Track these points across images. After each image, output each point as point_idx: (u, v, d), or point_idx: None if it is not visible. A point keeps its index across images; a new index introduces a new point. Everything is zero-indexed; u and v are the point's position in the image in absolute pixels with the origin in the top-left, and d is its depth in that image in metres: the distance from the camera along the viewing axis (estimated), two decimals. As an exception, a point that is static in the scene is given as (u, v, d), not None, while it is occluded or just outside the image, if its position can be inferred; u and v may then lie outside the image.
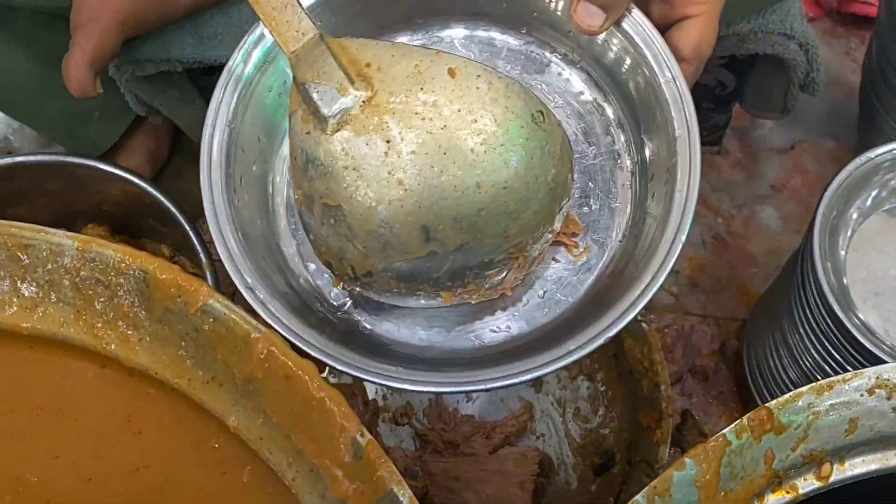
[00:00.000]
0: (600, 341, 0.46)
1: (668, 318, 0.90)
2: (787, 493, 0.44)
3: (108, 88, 0.85)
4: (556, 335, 0.49)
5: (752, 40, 0.71)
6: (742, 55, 0.73)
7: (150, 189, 0.79)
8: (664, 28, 0.53)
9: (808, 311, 0.73)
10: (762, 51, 0.72)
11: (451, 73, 0.44)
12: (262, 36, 0.53)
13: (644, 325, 0.74)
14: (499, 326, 0.52)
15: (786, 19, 0.70)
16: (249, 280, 0.47)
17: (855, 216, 0.75)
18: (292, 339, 0.45)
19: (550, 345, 0.47)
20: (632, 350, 0.75)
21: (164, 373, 0.44)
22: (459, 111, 0.43)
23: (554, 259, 0.52)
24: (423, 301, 0.47)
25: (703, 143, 0.51)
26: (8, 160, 0.79)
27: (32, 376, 0.46)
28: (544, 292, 0.52)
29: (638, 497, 0.41)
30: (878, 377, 0.42)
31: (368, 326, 0.52)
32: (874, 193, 0.74)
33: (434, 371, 0.47)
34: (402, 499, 0.38)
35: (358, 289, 0.48)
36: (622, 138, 0.55)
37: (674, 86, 0.51)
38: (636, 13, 0.52)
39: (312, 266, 0.52)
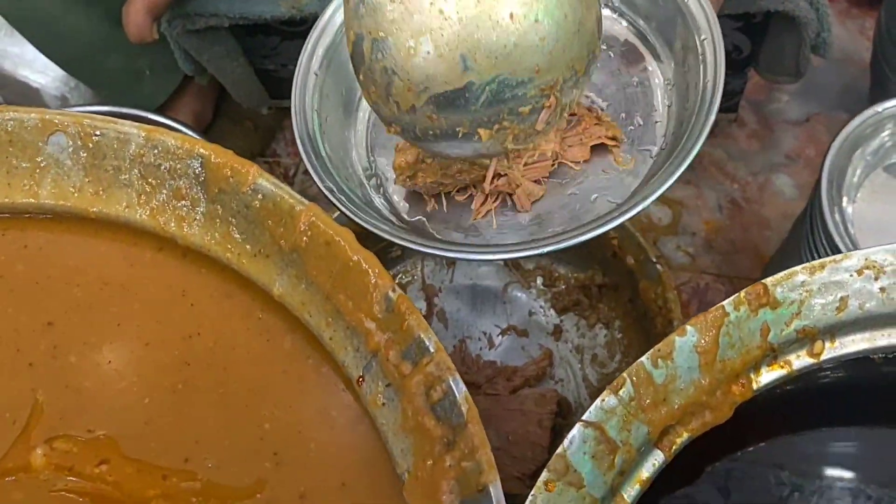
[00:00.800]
0: (625, 217, 0.51)
1: (683, 277, 0.93)
2: (782, 367, 0.47)
3: (159, 48, 0.91)
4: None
5: (764, -3, 0.76)
6: (756, 12, 0.78)
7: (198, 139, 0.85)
8: None
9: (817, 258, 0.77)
10: (774, 7, 0.76)
11: None
12: None
13: (658, 266, 0.78)
14: (552, 230, 0.56)
15: (797, -22, 0.75)
16: (330, 184, 0.52)
17: (860, 169, 0.78)
18: (365, 225, 0.51)
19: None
20: (646, 291, 0.79)
21: (216, 249, 0.49)
22: None
23: (603, 170, 0.57)
24: (462, 142, 0.51)
25: (720, 110, 0.56)
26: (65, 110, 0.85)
27: (97, 255, 0.51)
28: (595, 197, 0.57)
29: (643, 359, 0.45)
30: (866, 258, 0.46)
31: (437, 234, 0.57)
32: (880, 146, 0.78)
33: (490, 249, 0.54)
34: (428, 344, 0.42)
35: (402, 131, 0.52)
36: (655, 61, 0.60)
37: (695, 2, 0.56)
38: None
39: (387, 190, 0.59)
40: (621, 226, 0.65)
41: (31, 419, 0.47)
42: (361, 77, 0.50)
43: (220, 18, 0.82)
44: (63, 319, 0.50)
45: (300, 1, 0.81)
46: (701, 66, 0.55)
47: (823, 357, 0.48)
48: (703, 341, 0.45)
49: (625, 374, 0.45)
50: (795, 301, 0.46)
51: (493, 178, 0.56)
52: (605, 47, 0.62)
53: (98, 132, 0.50)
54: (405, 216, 0.58)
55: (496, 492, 0.38)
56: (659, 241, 0.95)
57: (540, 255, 0.62)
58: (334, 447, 0.45)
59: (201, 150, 0.49)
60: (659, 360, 0.45)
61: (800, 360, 0.48)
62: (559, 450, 0.43)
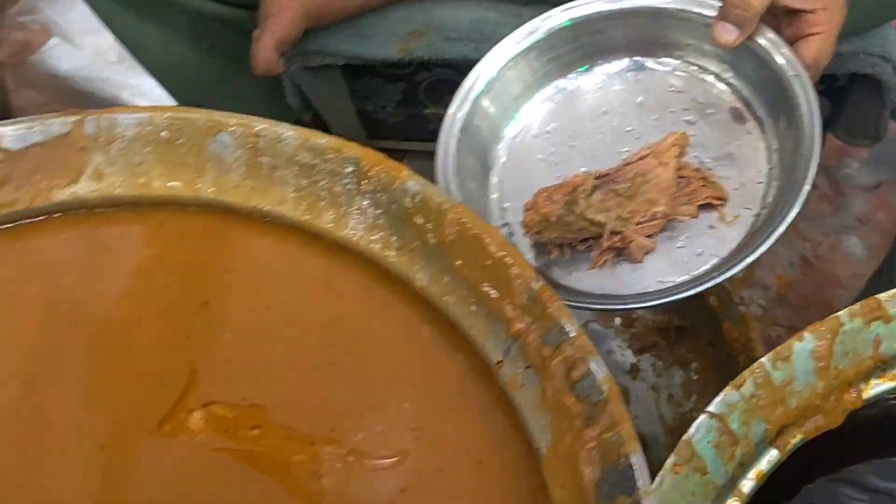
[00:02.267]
0: (732, 272, 0.57)
1: (756, 327, 0.96)
2: (891, 380, 0.50)
3: (272, 96, 0.98)
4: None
5: (852, 60, 0.80)
6: (841, 74, 0.82)
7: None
8: (791, 43, 0.64)
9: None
10: (860, 70, 0.80)
11: None
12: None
13: (741, 307, 0.81)
14: (662, 280, 0.62)
15: (884, 43, 0.79)
16: None
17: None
18: None
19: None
20: (729, 331, 0.82)
21: (361, 244, 0.54)
22: None
23: (710, 226, 0.63)
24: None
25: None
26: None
27: (248, 246, 0.56)
28: (700, 251, 0.63)
29: (763, 359, 0.48)
30: (975, 283, 0.50)
31: (559, 280, 0.63)
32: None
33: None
34: (569, 329, 0.46)
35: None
36: (760, 128, 0.66)
37: (797, 78, 0.62)
38: (768, 30, 0.64)
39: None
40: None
41: (188, 386, 0.51)
42: None
43: (335, 58, 0.87)
44: (217, 301, 0.54)
45: (410, 45, 0.87)
46: (801, 136, 0.61)
47: (930, 373, 0.50)
48: (819, 348, 0.49)
49: (746, 373, 0.48)
50: (907, 316, 0.49)
51: (608, 235, 0.63)
52: (713, 111, 0.68)
53: (258, 132, 0.55)
54: (532, 262, 0.65)
55: (638, 461, 0.41)
56: (733, 292, 0.98)
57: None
58: (470, 427, 0.49)
59: (354, 153, 0.54)
60: (778, 361, 0.48)
61: (908, 374, 0.51)
62: (685, 437, 0.46)
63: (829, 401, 0.49)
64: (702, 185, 0.64)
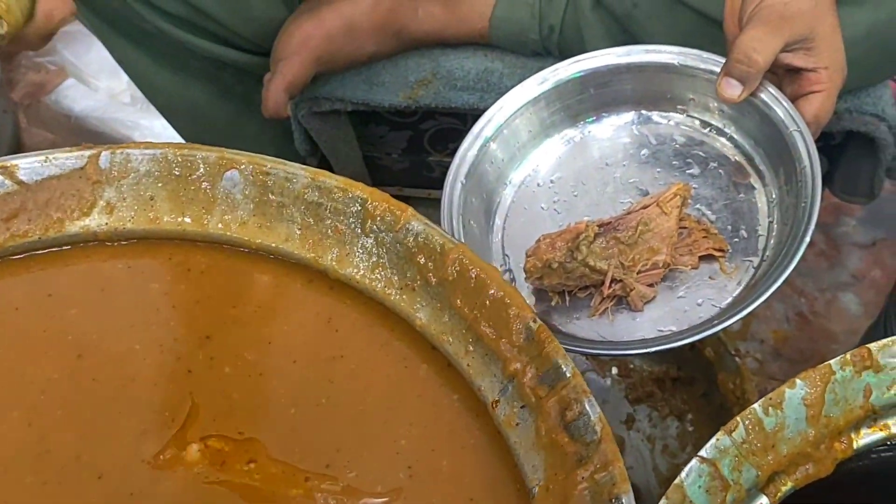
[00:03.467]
0: (730, 321, 0.59)
1: (751, 379, 0.96)
2: (881, 430, 0.51)
3: (282, 140, 1.00)
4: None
5: (846, 118, 0.82)
6: (836, 132, 0.84)
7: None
8: (793, 100, 0.66)
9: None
10: (855, 128, 0.82)
11: None
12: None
13: (737, 359, 0.82)
14: (661, 329, 0.63)
15: (878, 102, 0.82)
16: None
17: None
18: None
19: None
20: (724, 382, 0.82)
21: (363, 282, 0.55)
22: None
23: (710, 277, 0.65)
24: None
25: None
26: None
27: (252, 281, 0.57)
28: (701, 301, 0.64)
29: (755, 405, 0.49)
30: (965, 335, 0.50)
31: (559, 327, 0.65)
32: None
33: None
34: (565, 370, 0.47)
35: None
36: (760, 182, 0.69)
37: (798, 134, 0.64)
38: (770, 87, 0.66)
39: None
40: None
41: (187, 419, 0.51)
42: None
43: (344, 104, 0.90)
44: (220, 334, 0.55)
45: (417, 93, 0.90)
46: (801, 190, 0.63)
47: (921, 424, 0.51)
48: (810, 395, 0.49)
49: (738, 418, 0.48)
50: (896, 367, 0.50)
51: (609, 283, 0.64)
52: (715, 165, 0.70)
53: (268, 171, 0.57)
54: (532, 308, 0.65)
55: (629, 501, 0.42)
56: (729, 343, 0.99)
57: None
58: (464, 465, 0.49)
59: (361, 193, 0.55)
60: (770, 407, 0.49)
61: (898, 425, 0.51)
62: (677, 480, 0.47)
63: (819, 449, 0.49)
64: (703, 237, 0.66)
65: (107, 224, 0.57)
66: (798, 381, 0.50)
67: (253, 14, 0.86)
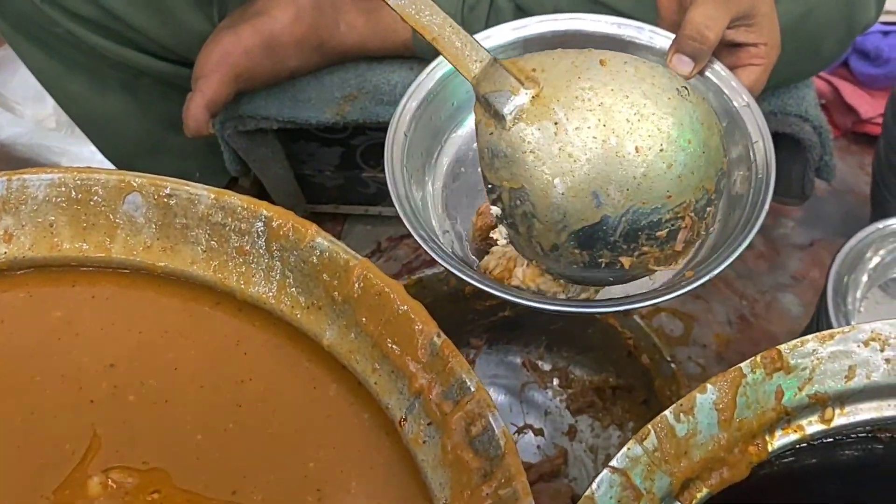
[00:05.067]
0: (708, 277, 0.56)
1: (695, 385, 0.96)
2: (795, 431, 0.50)
3: (208, 153, 0.98)
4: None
5: (772, 121, 0.82)
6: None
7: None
8: (731, 70, 0.65)
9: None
10: (780, 129, 0.83)
11: (602, 62, 0.54)
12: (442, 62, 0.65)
13: (672, 365, 0.81)
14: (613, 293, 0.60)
15: (801, 103, 0.82)
16: (423, 233, 0.57)
17: (864, 279, 0.83)
18: (455, 272, 0.55)
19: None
20: (661, 389, 0.82)
21: (271, 303, 0.54)
22: (613, 91, 0.53)
23: None
24: (607, 271, 0.55)
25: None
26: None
27: (159, 306, 0.56)
28: (654, 278, 0.59)
29: (666, 412, 0.48)
30: (872, 331, 0.50)
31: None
32: (881, 260, 0.83)
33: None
34: (469, 384, 0.46)
35: (547, 269, 0.56)
36: None
37: (747, 108, 0.63)
38: (717, 63, 0.65)
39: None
40: (638, 326, 0.71)
41: (88, 451, 0.50)
42: (502, 223, 0.55)
43: (269, 121, 0.89)
44: (124, 362, 0.53)
45: (344, 109, 0.89)
46: (753, 165, 0.61)
47: (834, 424, 0.51)
48: (722, 399, 0.49)
49: (649, 426, 0.48)
50: (807, 367, 0.50)
51: None
52: None
53: (170, 193, 0.55)
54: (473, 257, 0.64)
55: (532, 516, 0.41)
56: (672, 351, 0.99)
57: (603, 313, 0.72)
58: (374, 484, 0.48)
59: (265, 211, 0.54)
60: (681, 413, 0.48)
61: (812, 425, 0.51)
62: (587, 492, 0.46)
63: (733, 453, 0.49)
64: None
65: (5, 253, 0.55)
66: (709, 385, 0.49)
67: (175, 23, 0.85)
